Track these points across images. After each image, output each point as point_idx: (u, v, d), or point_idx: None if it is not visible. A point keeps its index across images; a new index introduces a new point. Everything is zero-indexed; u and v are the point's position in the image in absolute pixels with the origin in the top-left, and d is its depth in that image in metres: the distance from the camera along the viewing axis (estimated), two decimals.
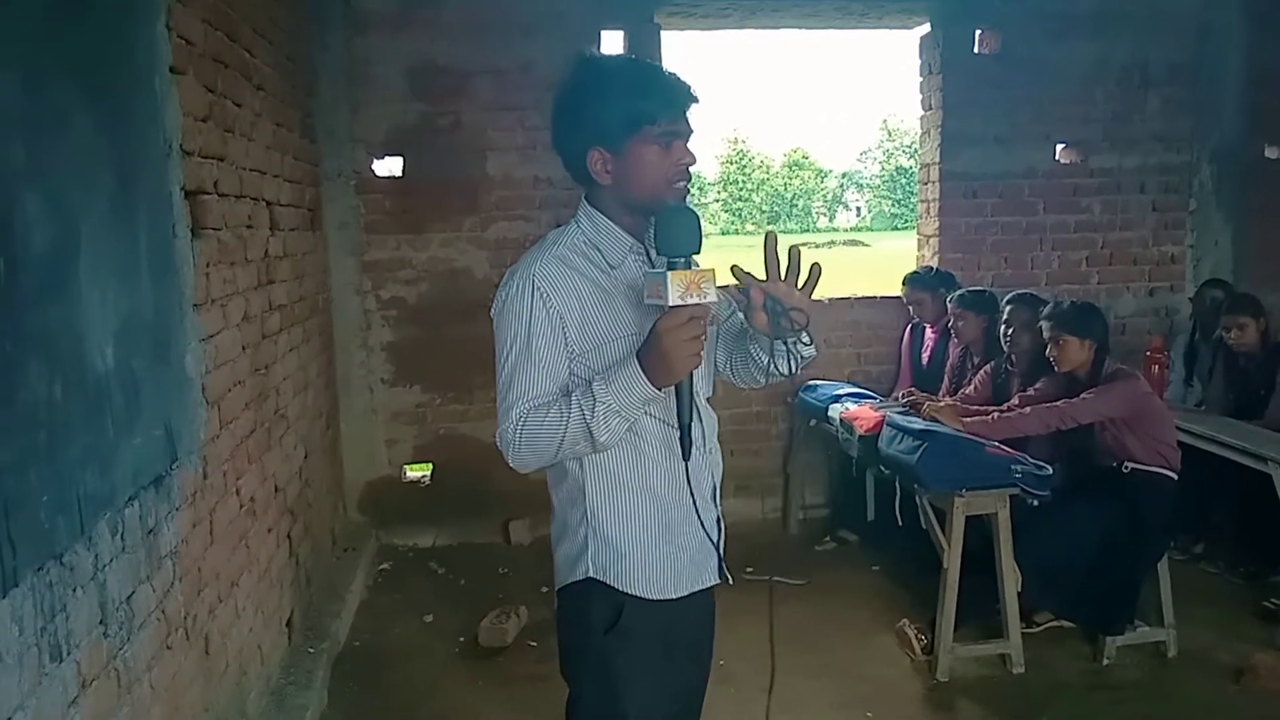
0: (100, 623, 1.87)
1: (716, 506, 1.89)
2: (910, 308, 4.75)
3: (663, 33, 4.85)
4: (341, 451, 4.75)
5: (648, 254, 1.76)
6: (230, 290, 2.81)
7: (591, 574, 1.77)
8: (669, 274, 1.55)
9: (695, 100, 1.69)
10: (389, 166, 4.71)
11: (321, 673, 3.33)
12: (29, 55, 1.65)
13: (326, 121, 4.51)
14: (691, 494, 1.76)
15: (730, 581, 1.93)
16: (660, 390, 1.61)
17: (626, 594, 1.77)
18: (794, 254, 1.66)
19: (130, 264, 2.05)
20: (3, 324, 1.52)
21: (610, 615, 1.77)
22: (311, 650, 3.42)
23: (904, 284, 4.80)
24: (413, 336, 4.81)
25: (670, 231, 1.60)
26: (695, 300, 1.56)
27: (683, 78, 1.70)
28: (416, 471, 5.03)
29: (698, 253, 1.62)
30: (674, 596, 1.82)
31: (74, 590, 1.76)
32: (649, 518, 1.79)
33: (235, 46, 2.97)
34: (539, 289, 1.68)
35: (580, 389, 1.64)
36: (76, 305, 1.79)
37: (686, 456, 1.68)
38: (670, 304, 1.55)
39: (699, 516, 1.78)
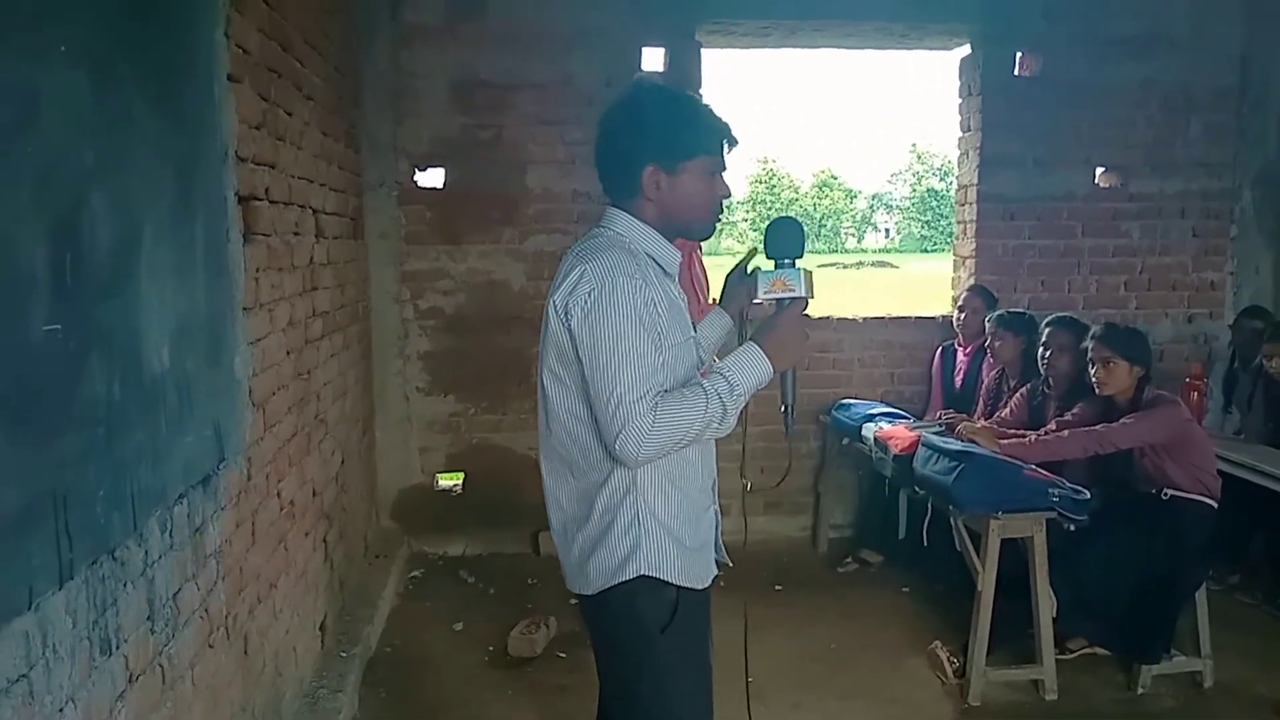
0: (148, 618, 1.90)
1: (716, 499, 2.04)
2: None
3: (702, 50, 4.88)
4: (376, 459, 4.79)
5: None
6: (277, 295, 2.85)
7: (644, 572, 1.82)
8: (802, 271, 1.86)
9: (737, 142, 1.89)
10: (430, 178, 4.76)
11: (353, 677, 3.35)
12: (99, 58, 1.69)
13: (371, 132, 4.57)
14: (712, 484, 1.97)
15: (731, 565, 2.08)
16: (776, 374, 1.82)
17: (680, 587, 1.85)
18: None
19: (187, 266, 2.09)
20: (67, 320, 1.55)
21: (665, 612, 1.84)
22: (344, 654, 3.44)
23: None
24: (449, 346, 4.85)
25: (786, 236, 1.89)
26: (811, 295, 1.86)
27: (727, 120, 1.88)
28: (448, 480, 5.05)
29: (801, 256, 1.89)
30: (708, 584, 1.95)
31: (125, 585, 1.78)
32: (694, 509, 1.90)
33: (288, 56, 3.03)
34: (642, 284, 1.75)
35: (710, 376, 1.78)
36: (136, 304, 1.82)
37: (789, 431, 1.95)
38: (804, 294, 1.85)
39: (714, 506, 1.99)
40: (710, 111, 1.88)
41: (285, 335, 2.95)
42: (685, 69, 4.76)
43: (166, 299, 1.95)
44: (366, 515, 4.48)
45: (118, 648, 1.76)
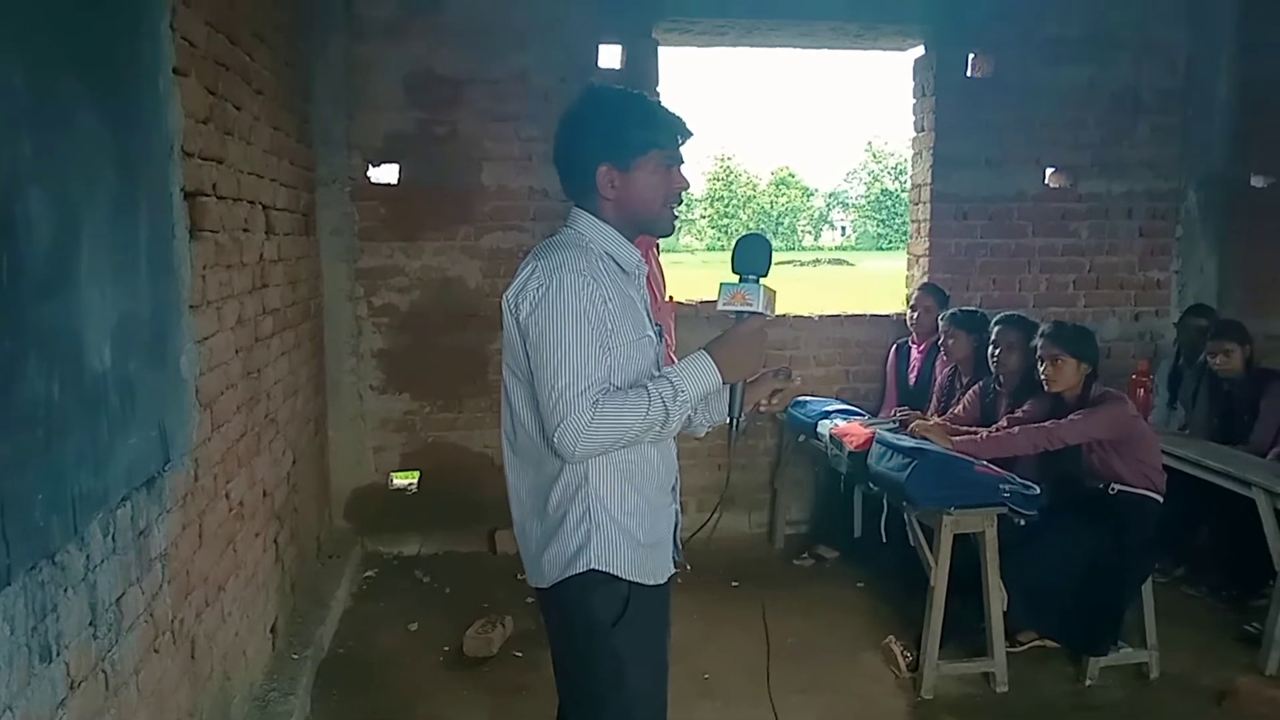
0: (90, 624, 1.86)
1: (677, 498, 2.04)
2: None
3: (659, 48, 4.87)
4: (329, 458, 4.73)
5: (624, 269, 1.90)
6: (226, 293, 2.80)
7: (594, 566, 1.83)
8: (763, 287, 1.84)
9: (691, 134, 1.90)
10: (384, 174, 4.71)
11: (305, 679, 3.31)
12: (36, 49, 1.65)
13: (323, 127, 4.51)
14: (673, 484, 1.98)
15: (689, 567, 2.12)
16: (725, 385, 1.82)
17: (631, 582, 1.86)
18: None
19: (129, 264, 2.05)
20: (3, 321, 1.50)
21: (616, 606, 1.85)
22: (296, 657, 3.40)
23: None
24: (403, 344, 4.80)
25: (753, 253, 1.87)
26: (770, 312, 1.85)
27: (680, 114, 1.90)
28: (403, 479, 5.01)
29: (766, 275, 1.88)
30: (664, 581, 1.96)
31: (65, 590, 1.74)
32: (650, 506, 1.91)
33: (236, 50, 2.97)
34: (590, 281, 1.76)
35: (655, 379, 1.78)
36: (76, 304, 1.78)
37: (732, 444, 1.93)
38: (762, 310, 1.83)
39: (675, 505, 1.99)
40: (660, 107, 1.92)
41: (234, 333, 2.90)
42: (642, 66, 4.74)
43: (108, 298, 1.90)
44: (319, 515, 4.42)
45: (58, 654, 1.72)
